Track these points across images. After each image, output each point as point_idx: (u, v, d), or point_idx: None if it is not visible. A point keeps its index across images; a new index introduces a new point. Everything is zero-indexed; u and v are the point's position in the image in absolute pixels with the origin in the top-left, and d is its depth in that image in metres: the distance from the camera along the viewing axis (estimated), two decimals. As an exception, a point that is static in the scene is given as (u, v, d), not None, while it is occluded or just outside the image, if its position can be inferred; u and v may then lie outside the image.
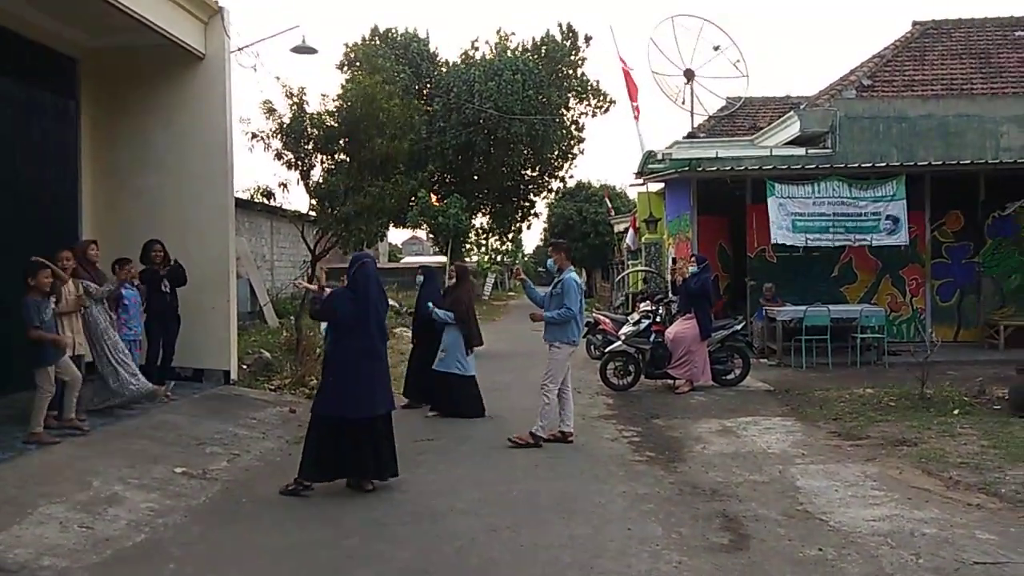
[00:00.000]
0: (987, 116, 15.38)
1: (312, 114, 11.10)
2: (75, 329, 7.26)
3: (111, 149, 10.14)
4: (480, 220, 39.50)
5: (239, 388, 10.03)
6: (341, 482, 6.20)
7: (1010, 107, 15.52)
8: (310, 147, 11.13)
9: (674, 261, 14.72)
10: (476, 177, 35.12)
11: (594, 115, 36.60)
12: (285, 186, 11.14)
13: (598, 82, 36.11)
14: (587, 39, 35.54)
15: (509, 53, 33.36)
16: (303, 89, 11.08)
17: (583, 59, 35.64)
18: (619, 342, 11.13)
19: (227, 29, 10.02)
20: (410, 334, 11.37)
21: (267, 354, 11.60)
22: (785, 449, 7.46)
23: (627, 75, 20.50)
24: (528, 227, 43.55)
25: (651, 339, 11.00)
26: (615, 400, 10.31)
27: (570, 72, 35.27)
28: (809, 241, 13.54)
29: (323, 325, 8.32)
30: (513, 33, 37.84)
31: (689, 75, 20.32)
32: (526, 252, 64.66)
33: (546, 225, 49.13)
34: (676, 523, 5.38)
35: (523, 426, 8.04)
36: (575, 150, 37.58)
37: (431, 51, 34.94)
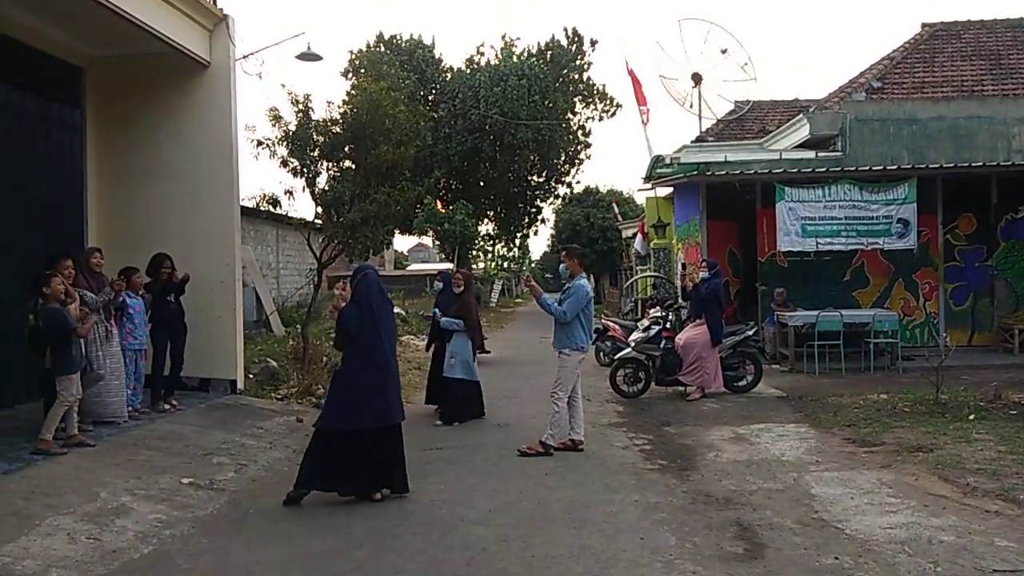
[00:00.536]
0: (998, 118, 15.24)
1: (318, 121, 11.08)
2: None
3: (117, 158, 10.13)
4: (486, 227, 39.45)
5: (246, 397, 9.98)
6: (350, 492, 6.13)
7: (1021, 108, 15.37)
8: (316, 154, 11.10)
9: (684, 267, 14.63)
10: (482, 183, 35.07)
11: (601, 119, 36.54)
12: (291, 194, 11.10)
13: (604, 86, 36.01)
14: (593, 43, 35.50)
15: (514, 58, 33.32)
16: (309, 96, 11.07)
17: (589, 63, 35.57)
18: (629, 348, 11.03)
19: (232, 37, 10.01)
20: (419, 343, 11.33)
21: (273, 363, 11.55)
22: (799, 456, 7.35)
23: (634, 79, 20.44)
24: (535, 233, 43.47)
25: (661, 345, 10.90)
26: (625, 407, 10.22)
27: (576, 76, 35.20)
28: (820, 246, 13.47)
29: None
30: (518, 38, 37.85)
31: (697, 79, 20.27)
32: (533, 258, 64.61)
33: (553, 231, 49.10)
34: (689, 532, 5.29)
35: (532, 434, 7.97)
36: (582, 155, 37.51)
37: (436, 57, 34.95)
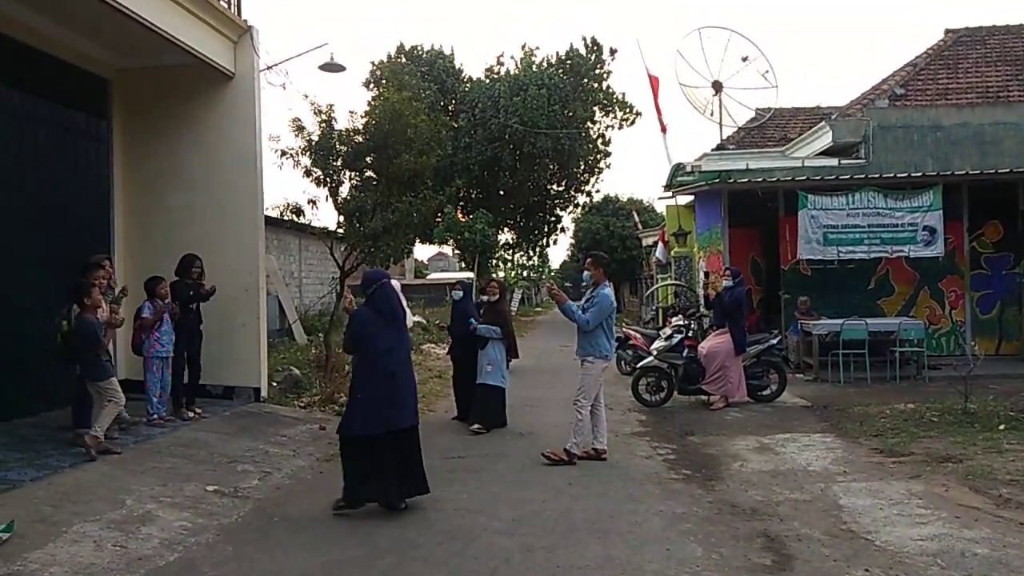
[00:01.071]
0: (1024, 124, 15.06)
1: (340, 131, 11.14)
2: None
3: (142, 167, 10.24)
4: (506, 235, 39.45)
5: (269, 405, 10.02)
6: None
7: (1048, 114, 15.18)
8: (338, 164, 11.16)
9: (706, 275, 14.54)
10: (502, 192, 35.10)
11: (620, 128, 36.44)
12: (314, 203, 11.16)
13: (624, 95, 35.93)
14: (612, 52, 35.42)
15: (534, 68, 33.36)
16: (332, 106, 11.13)
17: (608, 72, 35.51)
18: (651, 357, 10.95)
19: (256, 48, 10.10)
20: (440, 351, 11.32)
21: (296, 371, 11.59)
22: (826, 466, 7.26)
23: (654, 86, 20.37)
24: (554, 242, 43.37)
25: (684, 354, 10.82)
26: (648, 416, 10.15)
27: (595, 85, 35.15)
28: (842, 254, 13.34)
29: None
30: (537, 48, 37.90)
31: (717, 87, 20.17)
32: (553, 267, 64.53)
33: (573, 240, 49.00)
34: (716, 543, 5.23)
35: (555, 442, 7.93)
36: (601, 164, 37.39)
37: (456, 68, 35.09)
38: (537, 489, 6.65)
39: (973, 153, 14.87)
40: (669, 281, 20.11)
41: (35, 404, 8.62)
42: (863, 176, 13.99)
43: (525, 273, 48.60)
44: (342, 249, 11.87)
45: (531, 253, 44.43)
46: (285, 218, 11.74)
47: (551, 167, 34.39)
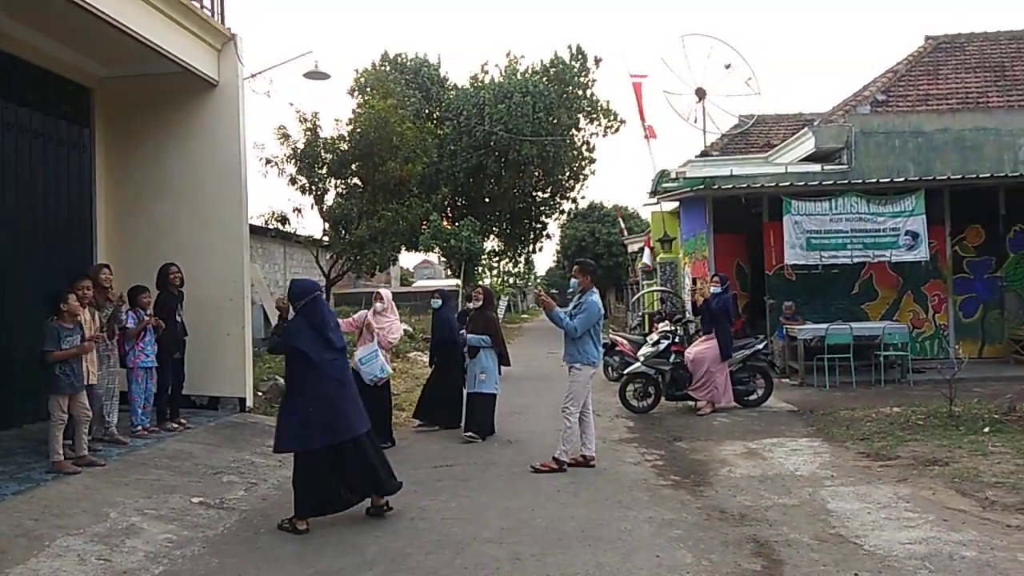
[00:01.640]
0: (1004, 129, 15.25)
1: (326, 139, 11.12)
2: (90, 359, 7.19)
3: (125, 176, 10.16)
4: (492, 243, 39.47)
5: (255, 415, 9.94)
6: (361, 510, 6.07)
7: (1027, 120, 15.36)
8: (324, 171, 11.16)
9: (694, 281, 14.60)
10: (488, 199, 35.14)
11: (605, 135, 36.63)
12: (299, 211, 11.15)
13: (608, 102, 36.11)
14: (597, 60, 35.67)
15: (518, 75, 33.48)
16: (316, 114, 11.13)
17: (593, 80, 35.73)
18: (638, 363, 10.97)
19: (240, 56, 10.05)
20: (425, 358, 11.29)
21: (282, 381, 11.48)
22: (814, 471, 7.28)
23: (638, 93, 20.48)
24: (540, 249, 43.46)
25: (671, 360, 10.85)
26: (636, 423, 10.15)
27: (580, 93, 35.32)
28: (824, 259, 13.43)
29: (361, 358, 8.30)
30: (522, 56, 38.00)
31: (701, 94, 20.31)
32: (538, 274, 64.62)
33: (559, 247, 49.09)
34: (706, 549, 5.22)
35: (542, 450, 7.91)
36: (586, 171, 37.59)
37: (441, 75, 35.12)
38: (526, 497, 6.63)
39: (954, 158, 15.04)
40: (655, 287, 20.18)
41: (16, 416, 8.50)
42: (846, 182, 14.12)
43: (511, 280, 48.60)
44: (327, 257, 11.84)
45: (517, 260, 44.47)
46: (270, 226, 11.70)
47: (536, 174, 34.50)
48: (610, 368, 13.66)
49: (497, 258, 42.32)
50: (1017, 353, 13.92)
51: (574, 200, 39.08)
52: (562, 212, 40.24)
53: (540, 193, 37.28)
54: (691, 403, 10.85)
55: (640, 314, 21.13)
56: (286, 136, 10.86)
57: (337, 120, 11.58)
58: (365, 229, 10.91)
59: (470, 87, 34.33)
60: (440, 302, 9.98)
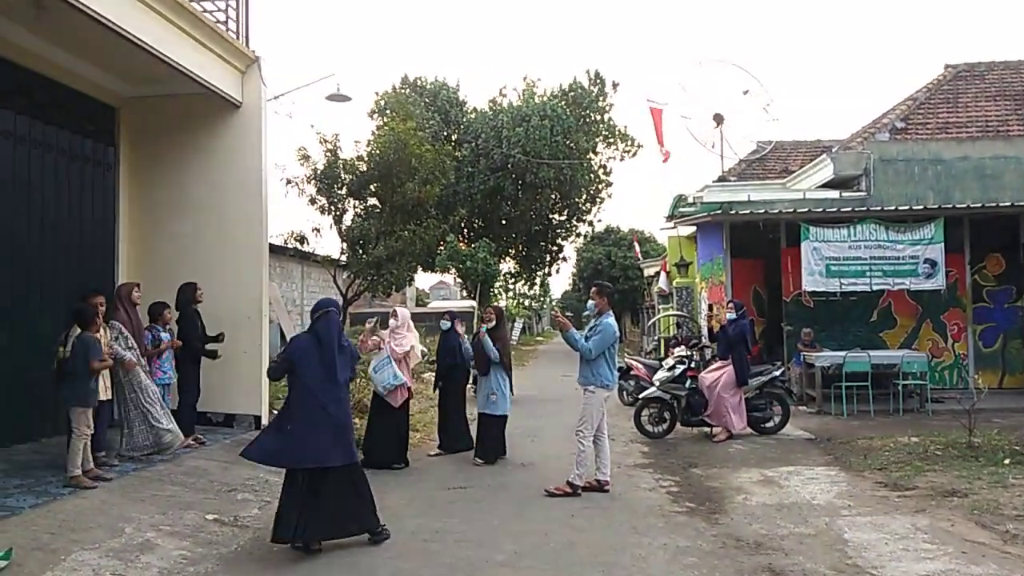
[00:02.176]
0: (1025, 158, 15.15)
1: (345, 160, 11.24)
2: (104, 375, 7.26)
3: (148, 194, 10.29)
4: (508, 265, 39.51)
5: (270, 433, 9.94)
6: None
7: (1048, 148, 15.27)
8: (343, 192, 11.25)
9: (710, 307, 14.55)
10: (504, 222, 35.23)
11: (622, 159, 36.72)
12: (318, 231, 11.24)
13: (626, 127, 36.27)
14: (615, 85, 35.81)
15: (536, 99, 33.67)
16: (337, 136, 11.26)
17: (611, 104, 35.85)
18: (654, 388, 10.91)
19: (263, 78, 10.21)
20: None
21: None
22: (830, 500, 7.20)
23: (656, 119, 20.53)
24: (556, 271, 43.44)
25: (686, 385, 10.79)
26: (651, 448, 10.09)
27: (597, 118, 35.47)
28: (844, 286, 13.35)
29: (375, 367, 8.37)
30: (539, 79, 38.06)
31: (719, 119, 20.35)
32: (554, 297, 64.61)
33: (575, 270, 49.10)
34: (721, 578, 5.17)
35: (556, 473, 7.87)
36: (603, 194, 37.62)
37: (460, 99, 35.38)
38: (539, 521, 6.60)
39: (974, 186, 14.94)
40: (671, 311, 20.12)
41: (34, 430, 8.58)
42: (864, 209, 14.06)
43: (526, 303, 48.59)
44: (345, 277, 11.91)
45: (532, 283, 44.47)
46: (289, 246, 11.80)
47: (553, 197, 34.57)
48: (625, 392, 13.60)
49: (513, 280, 42.34)
50: (1038, 384, 13.75)
51: (590, 223, 39.10)
52: (578, 235, 40.24)
53: (556, 216, 37.33)
54: (707, 429, 10.77)
55: (656, 338, 21.07)
56: (307, 157, 10.99)
57: (357, 141, 11.76)
58: (382, 249, 10.99)
59: (488, 110, 34.56)
60: (448, 324, 9.98)
